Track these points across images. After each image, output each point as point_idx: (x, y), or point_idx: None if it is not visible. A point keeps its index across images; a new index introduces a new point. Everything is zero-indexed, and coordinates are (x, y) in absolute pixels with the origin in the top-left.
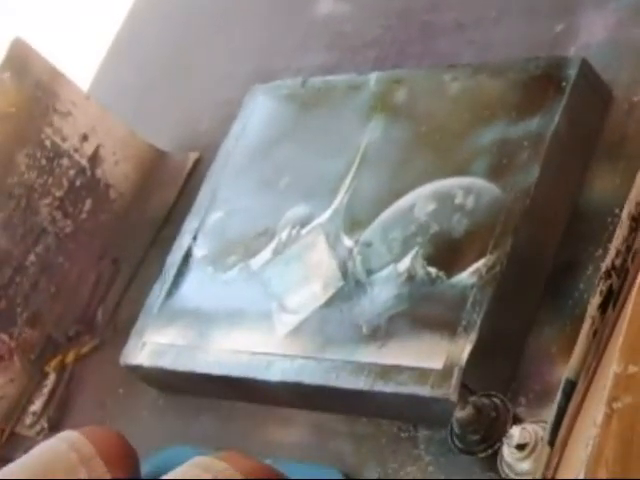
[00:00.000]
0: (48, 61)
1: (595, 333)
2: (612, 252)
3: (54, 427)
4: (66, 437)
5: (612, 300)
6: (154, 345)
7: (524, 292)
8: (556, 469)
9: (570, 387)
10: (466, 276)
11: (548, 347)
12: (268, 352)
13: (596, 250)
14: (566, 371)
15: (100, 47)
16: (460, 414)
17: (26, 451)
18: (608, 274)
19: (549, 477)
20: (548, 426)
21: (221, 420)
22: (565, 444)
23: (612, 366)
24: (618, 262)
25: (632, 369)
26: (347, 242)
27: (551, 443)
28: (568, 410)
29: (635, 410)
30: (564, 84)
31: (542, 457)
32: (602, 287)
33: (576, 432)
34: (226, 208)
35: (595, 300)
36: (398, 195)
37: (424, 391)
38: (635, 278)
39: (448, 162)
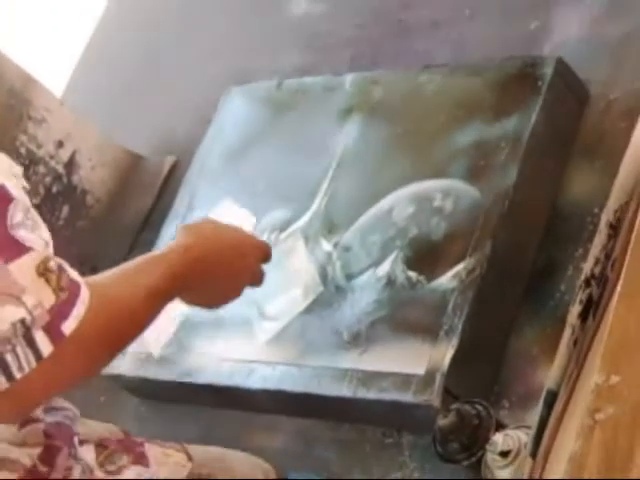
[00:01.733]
0: (21, 68)
1: (575, 342)
2: (591, 260)
3: None
4: None
5: (592, 309)
6: (135, 354)
7: (505, 295)
8: None
9: (551, 398)
10: (446, 280)
11: (529, 349)
12: (249, 359)
13: (576, 250)
14: (547, 381)
15: (73, 52)
16: (442, 422)
17: None
18: (587, 282)
19: None
20: (530, 438)
21: (205, 428)
22: (547, 456)
23: (593, 376)
24: (597, 270)
25: (614, 379)
26: (326, 246)
27: (533, 455)
28: (550, 421)
29: (618, 421)
30: (540, 83)
31: (524, 468)
32: (582, 296)
33: (558, 443)
34: (204, 213)
35: (575, 309)
36: (376, 198)
37: (407, 397)
38: (615, 286)
39: (426, 164)
